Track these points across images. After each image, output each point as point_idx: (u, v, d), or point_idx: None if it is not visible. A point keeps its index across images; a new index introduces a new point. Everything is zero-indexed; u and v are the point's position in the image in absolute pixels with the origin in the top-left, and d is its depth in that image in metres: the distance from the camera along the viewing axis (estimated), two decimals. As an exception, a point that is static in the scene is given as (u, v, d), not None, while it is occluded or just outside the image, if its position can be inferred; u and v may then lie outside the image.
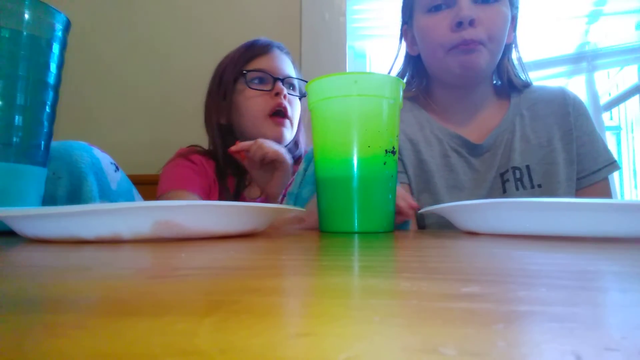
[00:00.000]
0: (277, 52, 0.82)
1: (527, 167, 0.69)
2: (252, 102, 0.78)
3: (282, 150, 0.70)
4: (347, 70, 1.18)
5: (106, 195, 0.56)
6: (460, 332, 0.08)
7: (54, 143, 0.53)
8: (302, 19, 1.17)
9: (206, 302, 0.11)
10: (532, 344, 0.08)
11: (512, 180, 0.69)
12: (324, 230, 0.46)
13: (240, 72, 0.79)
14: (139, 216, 0.29)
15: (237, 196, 0.79)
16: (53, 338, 0.08)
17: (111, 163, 0.59)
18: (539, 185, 0.68)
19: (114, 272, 0.17)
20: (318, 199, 0.47)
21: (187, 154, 0.81)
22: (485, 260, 0.20)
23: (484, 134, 0.72)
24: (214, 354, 0.07)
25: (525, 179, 0.69)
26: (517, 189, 0.69)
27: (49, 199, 0.50)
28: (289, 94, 0.80)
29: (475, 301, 0.11)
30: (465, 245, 0.29)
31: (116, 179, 0.58)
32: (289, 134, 0.81)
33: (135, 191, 0.65)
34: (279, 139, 0.78)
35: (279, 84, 0.78)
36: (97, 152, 0.57)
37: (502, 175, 0.70)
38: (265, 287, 0.13)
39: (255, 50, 0.81)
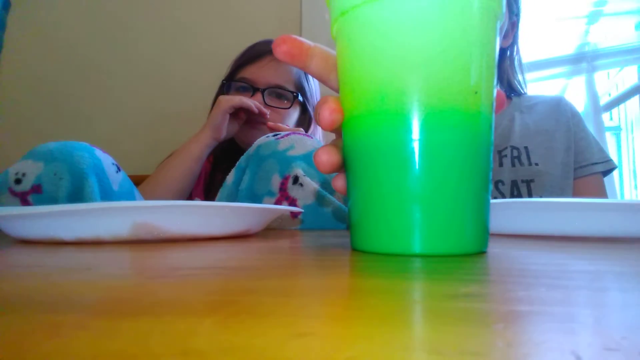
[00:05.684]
0: (267, 60, 0.80)
1: (526, 148, 0.73)
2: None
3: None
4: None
5: (108, 196, 0.56)
6: (460, 332, 0.08)
7: (55, 143, 0.53)
8: (302, 19, 1.17)
9: (206, 302, 0.11)
10: (532, 344, 0.08)
11: (509, 156, 0.73)
12: (358, 248, 0.24)
13: (222, 82, 0.82)
14: (116, 217, 0.28)
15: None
16: (53, 338, 0.08)
17: (113, 164, 0.59)
18: (537, 164, 0.72)
19: (113, 272, 0.17)
20: (348, 190, 0.25)
21: None
22: (485, 260, 0.20)
23: None
24: (214, 354, 0.07)
25: (523, 157, 0.73)
26: (514, 165, 0.73)
27: (50, 200, 0.50)
28: (271, 105, 0.79)
29: (475, 301, 0.11)
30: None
31: (118, 179, 0.58)
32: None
33: (136, 192, 0.65)
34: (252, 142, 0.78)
35: (259, 95, 0.78)
36: (99, 153, 0.57)
37: (499, 152, 0.74)
38: (265, 287, 0.13)
39: (246, 57, 0.82)
